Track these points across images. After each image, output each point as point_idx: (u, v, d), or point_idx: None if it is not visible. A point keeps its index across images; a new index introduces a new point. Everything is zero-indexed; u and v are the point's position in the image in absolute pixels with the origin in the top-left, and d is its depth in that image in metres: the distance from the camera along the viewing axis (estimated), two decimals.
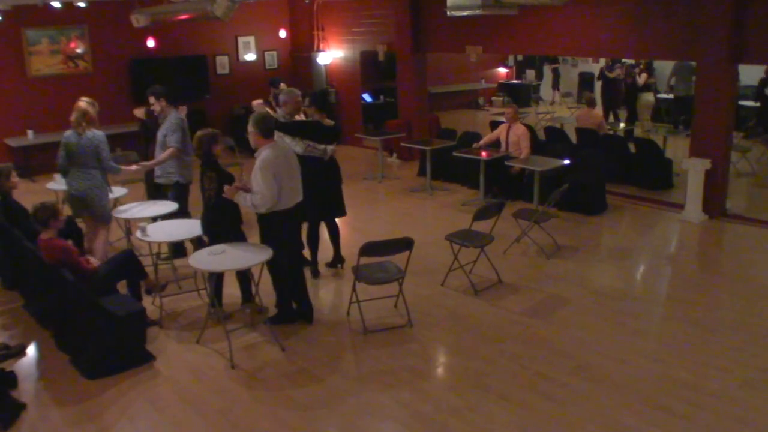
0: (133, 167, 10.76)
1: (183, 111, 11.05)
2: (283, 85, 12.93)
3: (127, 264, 8.92)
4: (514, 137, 13.86)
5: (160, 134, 10.85)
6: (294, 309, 9.01)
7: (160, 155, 10.67)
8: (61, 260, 8.21)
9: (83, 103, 10.31)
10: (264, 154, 8.18)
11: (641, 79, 21.19)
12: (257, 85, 18.90)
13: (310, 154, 9.71)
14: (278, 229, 8.40)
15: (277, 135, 8.59)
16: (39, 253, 8.45)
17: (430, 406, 7.07)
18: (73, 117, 10.05)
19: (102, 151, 10.03)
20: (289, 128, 9.64)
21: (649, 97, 21.14)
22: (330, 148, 9.94)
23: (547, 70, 27.09)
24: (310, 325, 8.93)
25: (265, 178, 8.01)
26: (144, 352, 8.17)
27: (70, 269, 8.18)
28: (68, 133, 10.14)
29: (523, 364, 7.84)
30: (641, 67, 21.71)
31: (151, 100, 11.04)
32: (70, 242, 8.99)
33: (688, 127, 18.13)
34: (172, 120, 10.84)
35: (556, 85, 26.53)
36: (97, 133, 10.07)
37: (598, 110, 18.07)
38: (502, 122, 14.46)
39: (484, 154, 13.79)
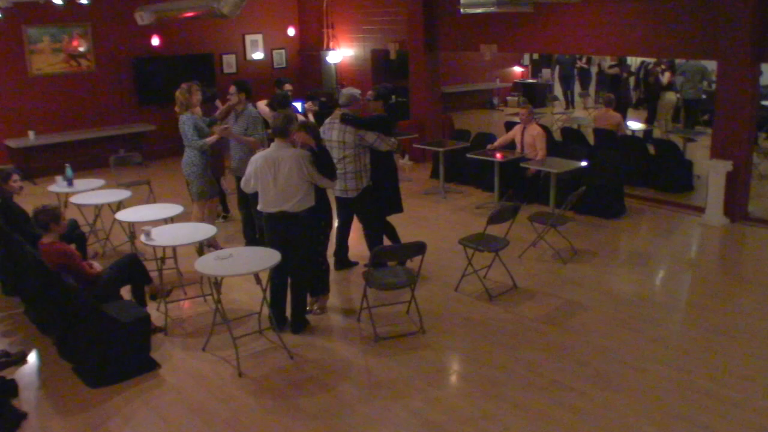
0: (213, 138, 11.07)
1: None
2: (288, 86, 12.95)
3: (131, 268, 8.95)
4: (530, 139, 13.85)
5: (239, 127, 11.12)
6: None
7: (247, 139, 11.05)
8: (63, 265, 8.24)
9: (178, 90, 11.08)
10: (264, 150, 8.57)
11: (665, 78, 20.98)
12: (265, 85, 18.90)
13: (388, 149, 10.20)
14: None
15: (277, 142, 8.63)
16: (40, 257, 8.48)
17: (443, 416, 7.08)
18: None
19: (184, 133, 10.94)
20: (367, 123, 9.96)
21: (671, 97, 20.97)
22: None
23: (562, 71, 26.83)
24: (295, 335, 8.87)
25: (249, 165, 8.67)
26: (149, 359, 8.20)
27: (72, 274, 8.21)
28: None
29: (538, 371, 7.84)
30: (663, 66, 21.49)
31: (232, 90, 11.35)
32: (72, 246, 9.04)
33: (693, 128, 18.24)
34: (252, 114, 11.23)
35: (585, 87, 25.99)
36: (183, 117, 10.97)
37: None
38: (517, 123, 14.44)
39: (498, 155, 13.78)
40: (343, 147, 9.84)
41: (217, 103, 13.48)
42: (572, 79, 25.96)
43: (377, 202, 10.36)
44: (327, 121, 10.11)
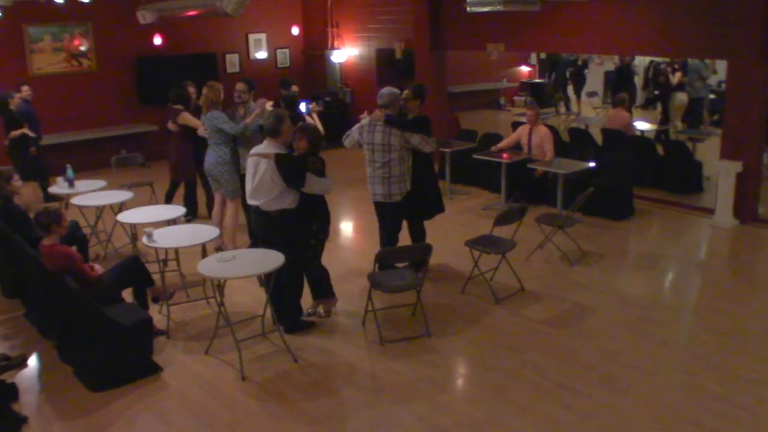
0: (255, 116, 11.16)
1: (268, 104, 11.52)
2: (295, 87, 12.97)
3: (133, 271, 8.95)
4: (537, 140, 13.84)
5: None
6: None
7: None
8: (64, 267, 8.25)
9: (206, 89, 11.30)
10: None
11: (675, 78, 20.84)
12: (269, 84, 18.89)
13: (430, 151, 10.27)
14: None
15: (266, 141, 8.74)
16: (41, 260, 8.49)
17: (449, 420, 7.09)
18: (202, 101, 11.41)
19: (217, 128, 11.07)
20: (411, 125, 10.00)
21: (682, 97, 20.76)
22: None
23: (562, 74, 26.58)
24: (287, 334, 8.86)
25: None
26: (151, 363, 8.20)
27: (73, 277, 8.22)
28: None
29: (546, 375, 7.85)
30: (677, 65, 21.31)
31: (243, 87, 11.59)
32: (74, 248, 9.05)
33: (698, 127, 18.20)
34: (263, 110, 11.28)
35: (578, 91, 25.83)
36: (212, 114, 11.10)
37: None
38: (524, 123, 14.42)
39: (505, 156, 13.79)
40: (389, 150, 9.81)
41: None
42: (565, 82, 25.87)
43: (420, 204, 10.42)
44: (366, 123, 10.03)
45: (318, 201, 8.98)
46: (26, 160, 14.68)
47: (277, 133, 8.62)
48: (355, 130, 10.11)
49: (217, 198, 11.69)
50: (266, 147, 8.67)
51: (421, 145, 9.92)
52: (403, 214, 10.30)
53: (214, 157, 11.19)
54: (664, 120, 20.14)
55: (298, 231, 8.83)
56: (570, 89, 25.75)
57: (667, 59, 20.65)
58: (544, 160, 13.45)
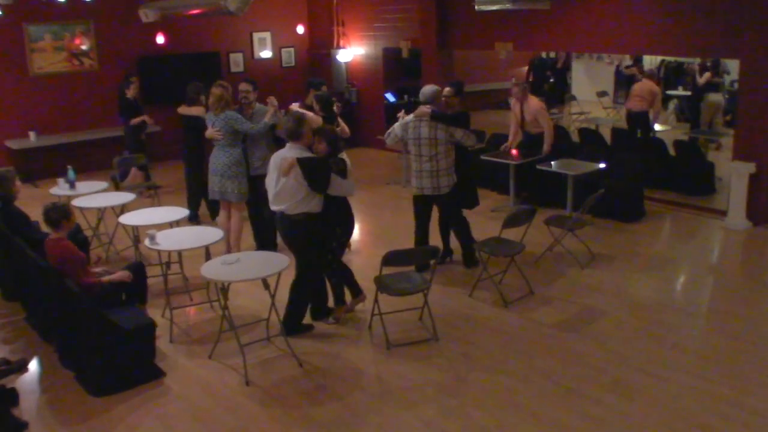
0: (270, 115, 11.14)
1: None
2: (324, 87, 12.88)
3: (133, 280, 8.93)
4: (530, 115, 13.88)
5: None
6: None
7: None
8: (67, 260, 8.27)
9: (219, 88, 11.14)
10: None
11: (702, 78, 20.28)
12: (273, 84, 18.89)
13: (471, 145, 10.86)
14: None
15: (289, 145, 8.77)
16: (42, 262, 8.51)
17: (456, 425, 7.10)
18: (210, 101, 11.20)
19: (233, 128, 10.99)
20: (455, 119, 10.49)
21: (715, 98, 20.13)
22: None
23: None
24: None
25: None
26: (153, 367, 8.23)
27: (72, 275, 8.23)
28: (208, 115, 11.35)
29: (555, 379, 7.85)
30: (708, 64, 20.73)
31: (249, 87, 11.52)
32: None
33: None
34: (263, 110, 11.37)
35: (559, 97, 24.72)
36: (226, 114, 10.98)
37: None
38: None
39: (514, 152, 13.82)
40: (435, 144, 10.26)
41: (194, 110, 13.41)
42: (543, 86, 25.06)
43: (458, 196, 10.83)
44: (410, 118, 10.46)
45: (342, 203, 9.12)
46: (139, 146, 15.58)
47: (299, 135, 8.62)
48: (397, 127, 10.56)
49: (223, 205, 11.49)
50: (288, 150, 8.65)
51: (463, 139, 10.38)
52: (453, 205, 10.76)
53: (226, 159, 11.05)
54: (694, 124, 19.54)
55: (322, 235, 8.91)
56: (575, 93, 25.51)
57: (698, 59, 20.39)
58: (545, 149, 13.55)
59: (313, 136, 8.78)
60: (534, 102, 14.03)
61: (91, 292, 8.36)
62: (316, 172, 8.54)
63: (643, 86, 16.55)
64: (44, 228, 10.13)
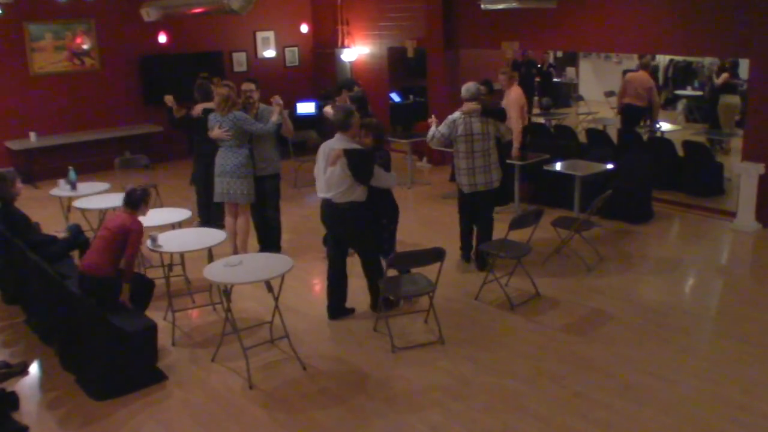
0: (277, 114, 11.20)
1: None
2: (357, 88, 12.86)
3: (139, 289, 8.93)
4: (505, 103, 13.49)
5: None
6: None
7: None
8: (127, 234, 8.40)
9: (225, 88, 11.07)
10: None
11: (720, 79, 20.08)
12: (277, 84, 18.87)
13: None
14: None
15: (337, 135, 9.15)
16: (43, 264, 8.52)
17: (462, 429, 7.09)
18: (215, 101, 11.14)
19: (244, 128, 10.98)
20: (494, 113, 10.80)
21: (732, 100, 19.89)
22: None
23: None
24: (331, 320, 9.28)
25: None
26: (155, 371, 8.23)
27: (130, 252, 8.42)
28: (211, 116, 11.22)
29: (562, 383, 7.85)
30: (726, 64, 20.49)
31: (252, 86, 11.56)
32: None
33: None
34: (268, 110, 11.39)
35: (540, 93, 24.19)
36: (234, 114, 10.96)
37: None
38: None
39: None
40: (488, 138, 10.60)
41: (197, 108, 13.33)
42: (531, 89, 23.02)
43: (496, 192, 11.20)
44: (457, 115, 10.59)
45: (386, 194, 9.77)
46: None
47: (347, 126, 9.06)
48: (442, 127, 10.64)
49: (229, 208, 11.43)
50: (336, 141, 9.09)
51: (504, 133, 10.97)
52: (494, 200, 11.13)
53: (236, 159, 11.00)
54: (712, 126, 19.16)
55: (367, 223, 9.34)
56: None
57: (717, 58, 20.21)
58: (515, 147, 13.50)
59: (360, 129, 9.30)
60: (513, 92, 13.90)
61: (125, 276, 8.47)
62: (361, 163, 8.99)
63: (636, 79, 16.41)
64: (45, 229, 10.20)
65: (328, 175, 9.04)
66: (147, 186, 8.99)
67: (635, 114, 16.60)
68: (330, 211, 9.21)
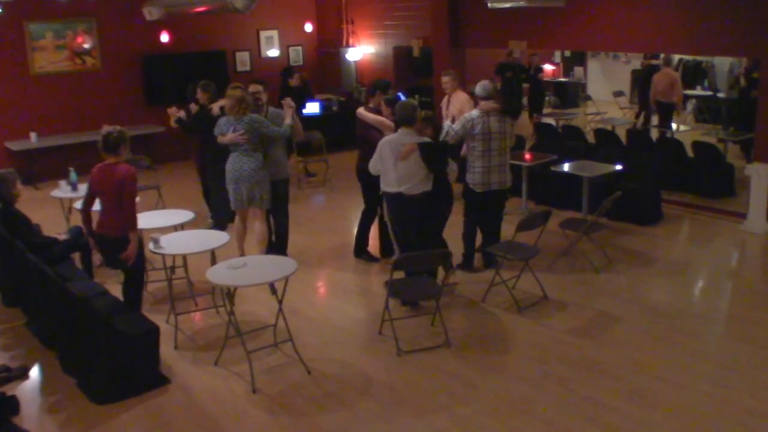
0: (290, 117, 11.21)
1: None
2: (392, 91, 12.82)
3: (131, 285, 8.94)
4: (456, 107, 13.43)
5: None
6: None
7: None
8: (123, 184, 8.41)
9: (238, 90, 10.84)
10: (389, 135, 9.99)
11: (741, 81, 19.90)
12: (280, 83, 18.86)
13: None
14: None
15: (402, 130, 9.66)
16: (43, 266, 8.53)
17: None
18: (228, 104, 10.83)
19: (260, 132, 10.75)
20: (511, 111, 11.22)
21: None
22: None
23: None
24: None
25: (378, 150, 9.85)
26: (157, 374, 8.24)
27: (127, 201, 8.46)
28: (223, 119, 10.92)
29: (570, 387, 7.84)
30: (748, 65, 20.10)
31: (260, 88, 11.48)
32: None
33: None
34: (277, 112, 11.44)
35: (536, 102, 23.31)
36: (250, 117, 10.72)
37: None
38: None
39: (527, 156, 13.81)
40: (505, 137, 10.72)
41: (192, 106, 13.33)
42: (519, 94, 22.91)
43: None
44: (475, 114, 10.66)
45: (444, 182, 10.28)
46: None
47: (413, 120, 9.60)
48: (458, 126, 10.69)
49: (241, 213, 11.21)
50: (403, 136, 9.61)
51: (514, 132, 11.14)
52: (503, 200, 11.30)
53: (253, 164, 10.69)
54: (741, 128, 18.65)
55: (431, 208, 9.92)
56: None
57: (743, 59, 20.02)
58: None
59: (421, 123, 9.85)
60: (461, 95, 13.78)
61: (131, 223, 8.53)
62: (435, 154, 9.69)
63: (664, 77, 16.67)
64: (46, 231, 10.21)
65: (401, 168, 9.51)
66: (116, 129, 9.01)
67: (667, 110, 16.81)
68: (403, 203, 9.67)
